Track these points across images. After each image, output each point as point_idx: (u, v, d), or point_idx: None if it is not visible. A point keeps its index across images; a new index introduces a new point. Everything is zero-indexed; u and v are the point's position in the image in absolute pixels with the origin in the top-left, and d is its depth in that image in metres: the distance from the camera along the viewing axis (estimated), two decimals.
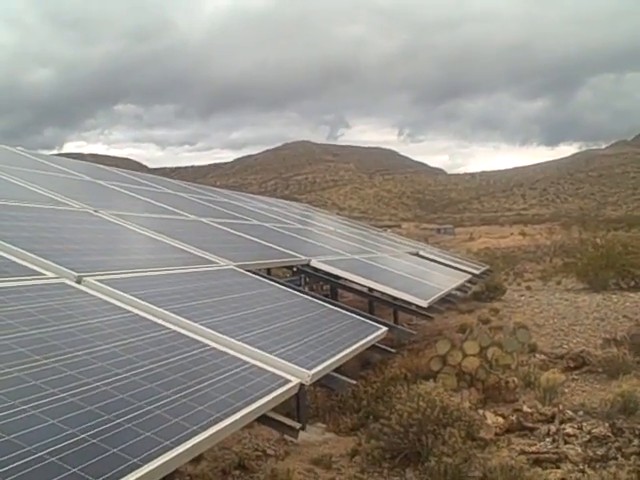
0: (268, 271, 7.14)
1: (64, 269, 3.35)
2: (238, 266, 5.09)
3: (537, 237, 53.68)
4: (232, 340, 3.12)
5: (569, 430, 4.70)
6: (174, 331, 2.98)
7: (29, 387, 1.95)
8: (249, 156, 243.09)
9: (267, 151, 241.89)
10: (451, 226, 79.52)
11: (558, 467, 4.14)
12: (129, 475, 1.63)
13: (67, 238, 4.21)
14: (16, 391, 1.90)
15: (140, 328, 2.85)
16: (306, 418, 3.37)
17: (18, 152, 8.36)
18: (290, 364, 3.05)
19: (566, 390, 6.14)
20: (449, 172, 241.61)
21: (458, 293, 10.93)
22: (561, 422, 4.90)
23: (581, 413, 5.21)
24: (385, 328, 4.74)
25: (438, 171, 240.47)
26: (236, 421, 2.23)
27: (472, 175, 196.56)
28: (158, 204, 7.36)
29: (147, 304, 3.22)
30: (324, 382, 3.49)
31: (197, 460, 4.31)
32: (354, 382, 3.92)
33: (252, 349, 3.08)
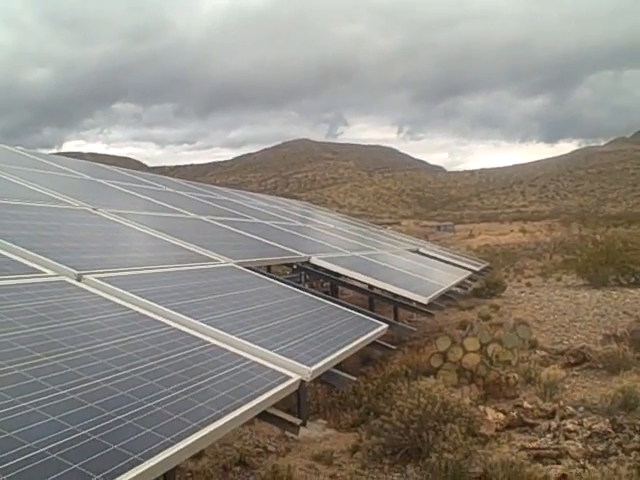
0: (268, 269, 7.14)
1: (64, 267, 3.35)
2: (238, 264, 5.09)
3: (537, 234, 53.70)
4: (232, 337, 3.12)
5: (570, 426, 4.70)
6: (174, 328, 2.98)
7: (30, 384, 1.95)
8: (249, 154, 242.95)
9: (267, 149, 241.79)
10: (451, 223, 79.49)
11: (559, 463, 4.15)
12: (130, 471, 1.63)
13: (67, 236, 4.21)
14: (17, 388, 1.90)
15: (140, 325, 2.86)
16: (307, 414, 3.37)
17: (18, 151, 8.36)
18: (290, 361, 3.05)
19: (566, 386, 6.15)
20: (449, 169, 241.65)
21: (458, 290, 10.94)
22: (562, 418, 4.91)
23: (581, 409, 5.22)
24: (385, 325, 4.73)
25: (438, 169, 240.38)
26: (237, 417, 2.23)
27: (472, 172, 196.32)
28: (158, 202, 7.36)
29: (147, 301, 3.22)
30: (325, 379, 3.49)
31: (198, 456, 4.32)
32: (355, 379, 3.92)
33: (252, 346, 3.08)
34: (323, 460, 4.51)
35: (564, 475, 3.89)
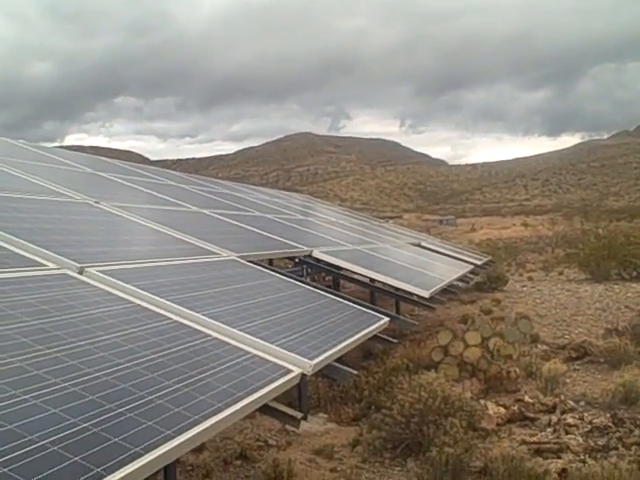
0: (270, 262, 7.14)
1: (66, 260, 3.35)
2: (240, 257, 5.09)
3: (539, 228, 53.66)
4: (234, 330, 3.12)
5: (570, 420, 4.71)
6: (176, 321, 2.99)
7: (31, 377, 1.95)
8: (250, 148, 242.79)
9: (268, 143, 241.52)
10: (453, 217, 79.45)
11: (559, 457, 4.15)
12: (130, 464, 1.64)
13: (68, 229, 4.21)
14: (18, 381, 1.90)
15: (142, 318, 2.86)
16: (308, 408, 3.37)
17: (20, 145, 8.35)
18: (292, 354, 3.05)
19: (568, 380, 6.15)
20: (451, 163, 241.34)
21: (460, 284, 10.93)
22: (562, 412, 4.91)
23: (582, 403, 5.23)
24: (387, 318, 4.74)
25: (440, 162, 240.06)
26: (237, 411, 2.24)
27: (474, 166, 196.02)
28: (160, 196, 7.36)
29: (149, 295, 3.23)
30: (326, 372, 3.50)
31: (199, 450, 4.33)
32: (356, 372, 3.92)
33: (254, 339, 3.09)
34: (324, 454, 4.52)
35: (564, 469, 3.90)
